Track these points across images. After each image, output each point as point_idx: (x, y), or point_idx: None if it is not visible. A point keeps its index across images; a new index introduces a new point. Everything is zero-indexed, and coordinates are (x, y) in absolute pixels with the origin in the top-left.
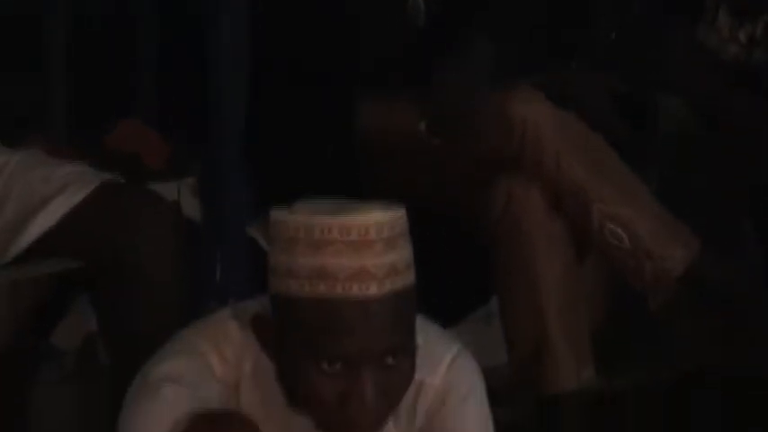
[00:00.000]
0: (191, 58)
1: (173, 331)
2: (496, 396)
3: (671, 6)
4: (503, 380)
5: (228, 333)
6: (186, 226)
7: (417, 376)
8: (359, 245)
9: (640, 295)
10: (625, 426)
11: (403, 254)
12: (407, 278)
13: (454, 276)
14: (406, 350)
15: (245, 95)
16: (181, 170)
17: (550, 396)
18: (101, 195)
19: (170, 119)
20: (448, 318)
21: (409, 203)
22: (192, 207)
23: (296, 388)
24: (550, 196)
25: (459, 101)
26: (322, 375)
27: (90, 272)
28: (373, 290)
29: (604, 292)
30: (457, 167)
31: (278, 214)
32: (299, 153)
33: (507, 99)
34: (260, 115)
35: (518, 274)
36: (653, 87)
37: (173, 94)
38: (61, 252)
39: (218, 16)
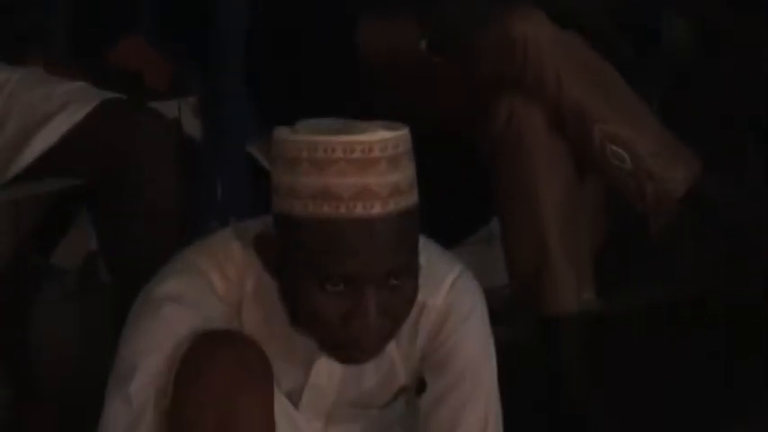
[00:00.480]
0: None
1: (174, 250)
2: (497, 316)
3: None
4: (503, 301)
5: (230, 252)
6: (187, 145)
7: (419, 297)
8: (363, 163)
9: (641, 218)
10: (625, 348)
11: (406, 173)
12: (411, 198)
13: (455, 197)
14: (410, 270)
15: (246, 14)
16: (182, 89)
17: (551, 316)
18: (102, 113)
19: (172, 37)
20: (449, 239)
21: (411, 123)
22: (193, 126)
23: (298, 307)
24: (551, 115)
25: (461, 18)
26: (325, 295)
27: (91, 189)
28: (377, 209)
29: (605, 214)
30: (458, 86)
31: (281, 133)
32: (300, 71)
33: (508, 17)
34: (261, 34)
35: (518, 193)
36: (655, 6)
37: (175, 12)
38: (62, 170)
39: None
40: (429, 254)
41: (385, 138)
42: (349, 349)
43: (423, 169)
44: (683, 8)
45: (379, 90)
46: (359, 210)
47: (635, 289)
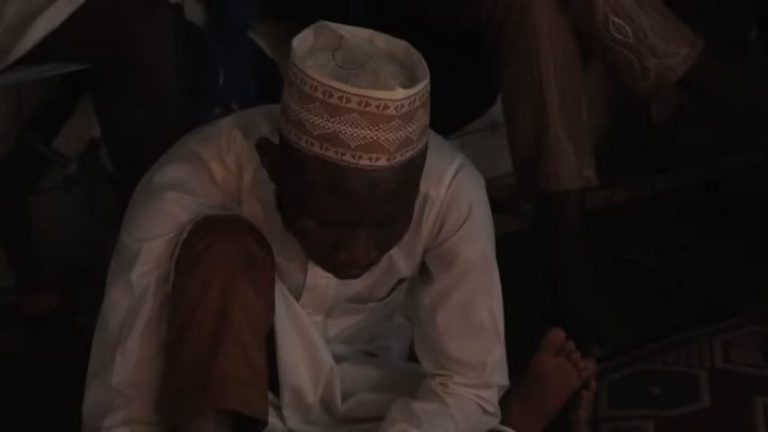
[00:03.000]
0: None
1: (176, 136)
2: (500, 204)
3: None
4: (506, 188)
5: (232, 142)
6: (189, 30)
7: (422, 188)
8: (376, 118)
9: (643, 107)
10: (627, 232)
11: (419, 123)
12: (420, 144)
13: (457, 84)
14: (406, 214)
15: None
16: None
17: (552, 192)
18: None
19: None
20: (452, 126)
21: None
22: (195, 11)
23: (291, 227)
24: None
25: None
26: (319, 229)
27: (93, 74)
28: (382, 162)
29: (609, 98)
30: None
31: (298, 56)
32: None
33: None
34: None
35: (522, 67)
36: None
37: None
38: (64, 54)
39: None
40: (430, 146)
41: (402, 97)
42: (335, 272)
43: (424, 57)
44: None
45: None
46: (364, 161)
47: (639, 177)
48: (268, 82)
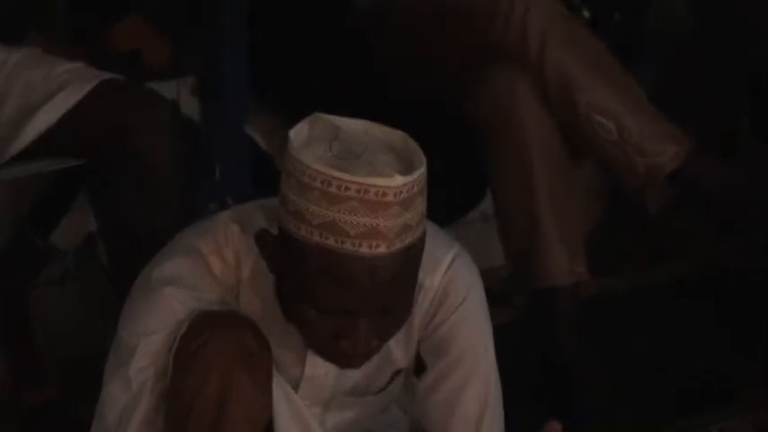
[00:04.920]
0: None
1: (172, 231)
2: (494, 296)
3: None
4: (500, 280)
5: (230, 236)
6: (186, 125)
7: (418, 278)
8: (375, 205)
9: (637, 197)
10: (621, 325)
11: (417, 210)
12: (418, 230)
13: (450, 175)
14: (407, 301)
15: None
16: (181, 69)
17: (544, 289)
18: (101, 93)
19: (170, 16)
20: (444, 217)
21: (404, 94)
22: (191, 106)
23: (291, 316)
24: (539, 88)
25: None
26: (319, 317)
27: (90, 170)
28: (382, 249)
29: (601, 191)
30: (448, 55)
31: (294, 145)
32: (296, 45)
33: None
34: (260, 11)
35: (510, 165)
36: None
37: None
38: (62, 150)
39: None
40: (426, 234)
41: (400, 184)
42: (336, 361)
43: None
44: None
45: (374, 55)
46: (364, 249)
47: (633, 268)
48: (263, 175)
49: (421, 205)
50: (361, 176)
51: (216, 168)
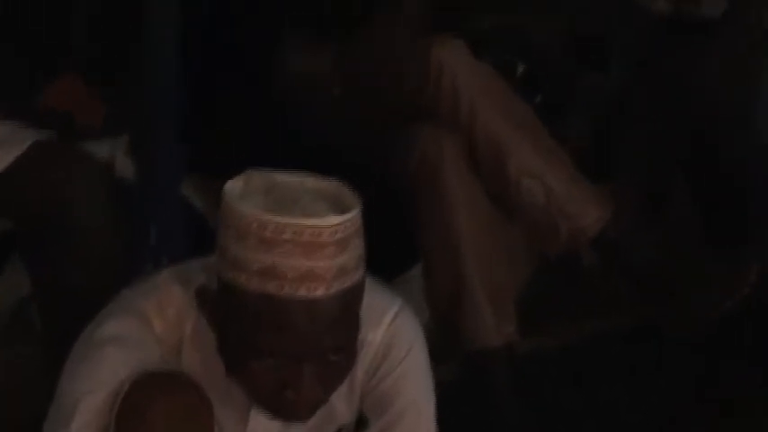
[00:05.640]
0: (126, 14)
1: (108, 293)
2: (435, 352)
3: None
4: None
5: (170, 294)
6: (120, 186)
7: (361, 332)
8: (310, 246)
9: (565, 256)
10: (551, 383)
11: (354, 253)
12: (356, 275)
13: (387, 232)
14: (350, 346)
15: (177, 52)
16: (115, 128)
17: (473, 351)
18: (33, 155)
19: (104, 76)
20: (383, 274)
21: (335, 155)
22: (125, 167)
23: (234, 370)
24: (467, 148)
25: (380, 46)
26: (261, 365)
27: (23, 232)
28: (320, 291)
29: (530, 248)
30: (376, 116)
31: (229, 195)
32: (226, 109)
33: (425, 45)
34: (191, 72)
35: (437, 226)
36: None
37: (106, 50)
38: None
39: None
40: (368, 289)
41: (335, 223)
42: (282, 414)
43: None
44: (609, 43)
45: (301, 119)
46: (302, 292)
47: (560, 325)
48: (198, 237)
49: (358, 248)
50: (296, 218)
51: (151, 229)
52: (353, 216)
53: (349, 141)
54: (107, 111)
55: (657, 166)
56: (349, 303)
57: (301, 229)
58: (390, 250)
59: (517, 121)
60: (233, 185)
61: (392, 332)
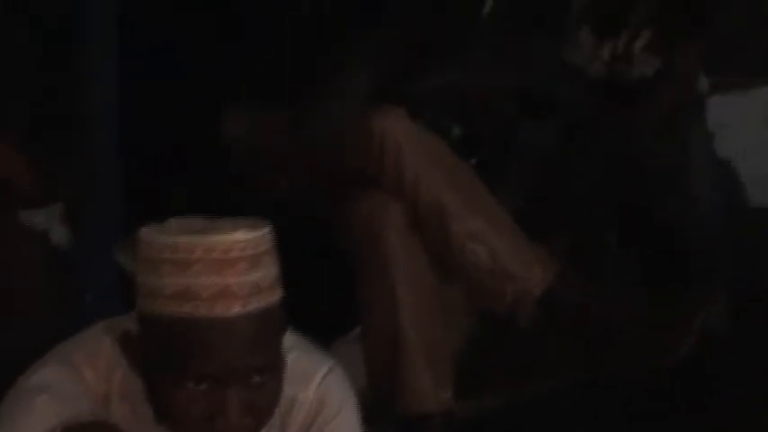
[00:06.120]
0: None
1: (40, 354)
2: (367, 417)
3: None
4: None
5: (101, 346)
6: (55, 254)
7: (289, 392)
8: (222, 263)
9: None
10: None
11: (268, 272)
12: (272, 296)
13: (329, 294)
14: (274, 368)
15: (115, 118)
16: (50, 196)
17: (410, 417)
18: None
19: (40, 143)
20: (323, 337)
21: (280, 218)
22: (60, 234)
23: (162, 405)
24: (411, 213)
25: (330, 114)
26: (187, 394)
27: None
28: (237, 309)
29: (472, 309)
30: (320, 182)
31: (143, 233)
32: (168, 170)
33: (368, 115)
34: (130, 137)
35: (377, 291)
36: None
37: (43, 117)
38: None
39: (86, 30)
40: (299, 349)
41: (245, 238)
42: None
43: (294, 267)
44: (546, 105)
45: (247, 184)
46: (218, 310)
47: (508, 384)
48: (133, 302)
49: (271, 267)
50: (206, 236)
51: (86, 295)
52: (263, 233)
53: (293, 206)
54: (43, 178)
55: (596, 221)
56: (267, 324)
57: (211, 247)
58: (333, 311)
59: (460, 185)
60: (148, 227)
61: (323, 391)
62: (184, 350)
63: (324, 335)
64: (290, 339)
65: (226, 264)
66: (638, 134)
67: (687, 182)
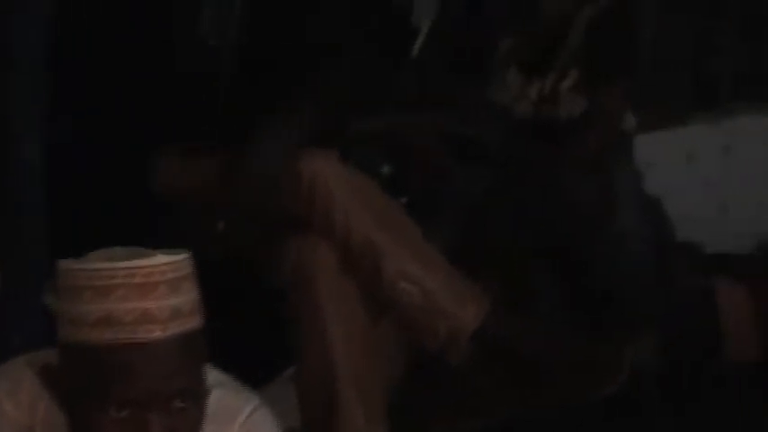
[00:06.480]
0: None
1: None
2: None
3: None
4: None
5: (23, 379)
6: None
7: (214, 429)
8: (143, 288)
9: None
10: None
11: (188, 297)
12: (193, 321)
13: (264, 336)
14: (195, 394)
15: (42, 164)
16: None
17: None
18: None
19: None
20: (255, 377)
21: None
22: None
23: None
24: (342, 253)
25: (261, 157)
26: (110, 421)
27: None
28: (158, 333)
29: (404, 347)
30: (253, 225)
31: (64, 263)
32: (95, 212)
33: (297, 157)
34: (57, 182)
35: (309, 332)
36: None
37: None
38: None
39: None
40: (225, 387)
41: (165, 262)
42: None
43: (227, 307)
44: (476, 144)
45: (179, 228)
46: (140, 334)
47: (441, 422)
48: None
49: (191, 293)
50: (127, 262)
51: (13, 337)
52: (183, 259)
53: (226, 250)
54: None
55: (527, 259)
56: (188, 349)
57: (132, 272)
58: (267, 352)
59: (391, 225)
60: (68, 259)
61: (247, 429)
62: (107, 376)
63: (256, 375)
64: (215, 377)
65: (147, 288)
66: (565, 174)
67: (615, 220)
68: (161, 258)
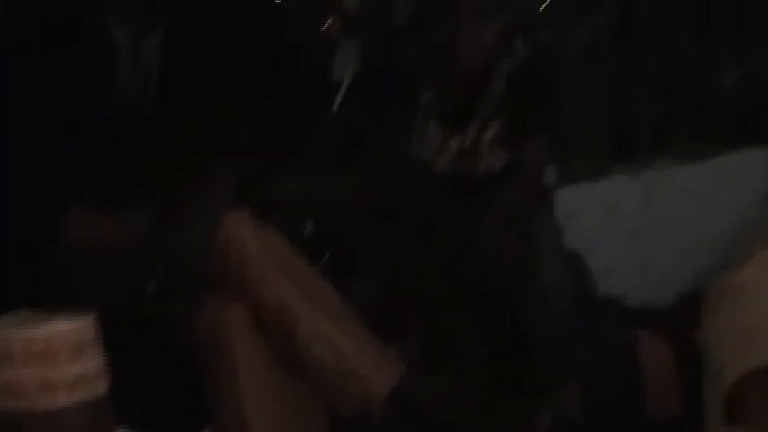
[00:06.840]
0: None
1: None
2: None
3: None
4: None
5: None
6: None
7: None
8: (44, 356)
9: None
10: None
11: (92, 364)
12: (98, 387)
13: (181, 395)
14: None
15: None
16: None
17: None
18: None
19: None
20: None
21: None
22: None
23: None
24: (256, 313)
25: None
26: None
27: None
28: (61, 400)
29: (319, 408)
30: (167, 284)
31: None
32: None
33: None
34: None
35: (224, 391)
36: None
37: None
38: None
39: None
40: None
41: (65, 329)
42: None
43: (142, 367)
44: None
45: (88, 286)
46: (42, 403)
47: None
48: None
49: (95, 358)
50: (26, 330)
51: None
52: (85, 323)
53: (143, 306)
54: None
55: (449, 316)
56: (95, 416)
57: (32, 341)
58: (184, 411)
59: (305, 286)
60: None
61: None
62: None
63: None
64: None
65: (48, 356)
66: (486, 229)
67: (536, 274)
68: (61, 325)
